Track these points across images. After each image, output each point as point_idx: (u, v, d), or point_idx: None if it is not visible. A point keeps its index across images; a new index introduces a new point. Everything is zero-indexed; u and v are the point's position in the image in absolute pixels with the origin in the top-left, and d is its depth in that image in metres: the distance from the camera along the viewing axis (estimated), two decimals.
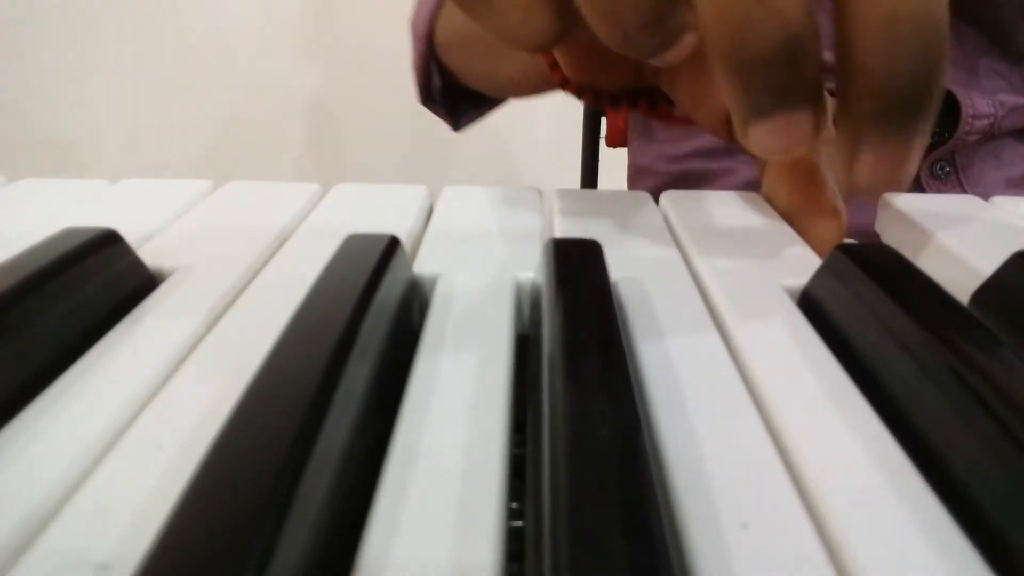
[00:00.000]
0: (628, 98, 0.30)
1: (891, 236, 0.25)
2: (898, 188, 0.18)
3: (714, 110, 0.25)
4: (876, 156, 0.17)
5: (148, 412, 0.14)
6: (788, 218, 0.24)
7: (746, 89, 0.17)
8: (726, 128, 0.25)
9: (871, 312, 0.16)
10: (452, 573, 0.10)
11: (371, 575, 0.10)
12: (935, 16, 0.17)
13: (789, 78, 0.16)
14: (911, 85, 0.17)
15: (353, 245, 0.18)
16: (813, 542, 0.11)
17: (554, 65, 0.29)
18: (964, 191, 0.45)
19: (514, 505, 0.12)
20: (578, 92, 0.29)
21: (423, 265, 0.20)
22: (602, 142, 0.67)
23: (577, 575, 0.09)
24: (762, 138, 0.17)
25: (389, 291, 0.16)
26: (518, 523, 0.12)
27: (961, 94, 0.43)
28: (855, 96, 0.17)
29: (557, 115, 1.08)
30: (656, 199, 0.27)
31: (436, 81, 0.43)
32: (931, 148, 0.45)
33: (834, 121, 0.19)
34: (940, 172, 0.45)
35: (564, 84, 0.29)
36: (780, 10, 0.16)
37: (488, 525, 0.11)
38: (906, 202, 0.26)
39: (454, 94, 0.44)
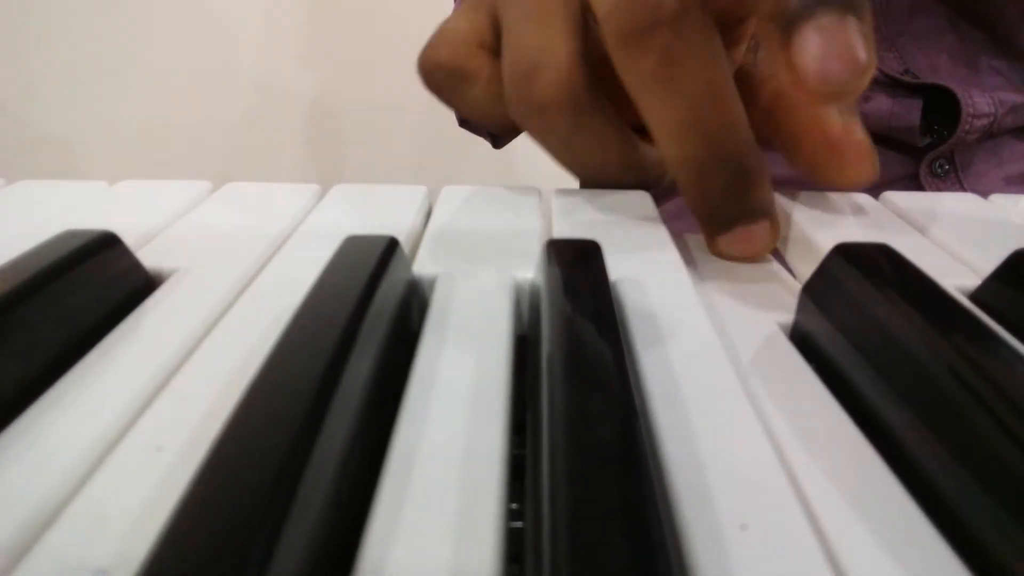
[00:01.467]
0: None
1: (890, 234, 0.25)
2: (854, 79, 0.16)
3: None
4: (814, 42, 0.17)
5: (147, 415, 0.14)
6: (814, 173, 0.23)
7: (708, 209, 0.20)
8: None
9: (871, 310, 0.16)
10: (451, 574, 0.10)
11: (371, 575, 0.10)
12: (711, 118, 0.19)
13: (743, 200, 0.19)
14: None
15: (352, 246, 0.18)
16: (813, 544, 0.11)
17: None
18: (963, 189, 0.45)
19: (513, 506, 0.12)
20: None
21: (422, 265, 0.20)
22: None
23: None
24: (728, 247, 0.20)
25: (388, 292, 0.16)
26: (518, 524, 0.12)
27: (961, 92, 0.42)
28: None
29: None
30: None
31: None
32: (931, 147, 0.45)
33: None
34: (939, 170, 0.45)
35: None
36: (728, 155, 0.19)
37: (487, 526, 0.11)
38: (905, 200, 0.26)
39: None
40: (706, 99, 0.18)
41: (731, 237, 0.20)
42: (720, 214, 0.20)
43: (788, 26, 0.16)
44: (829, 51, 0.16)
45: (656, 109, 0.19)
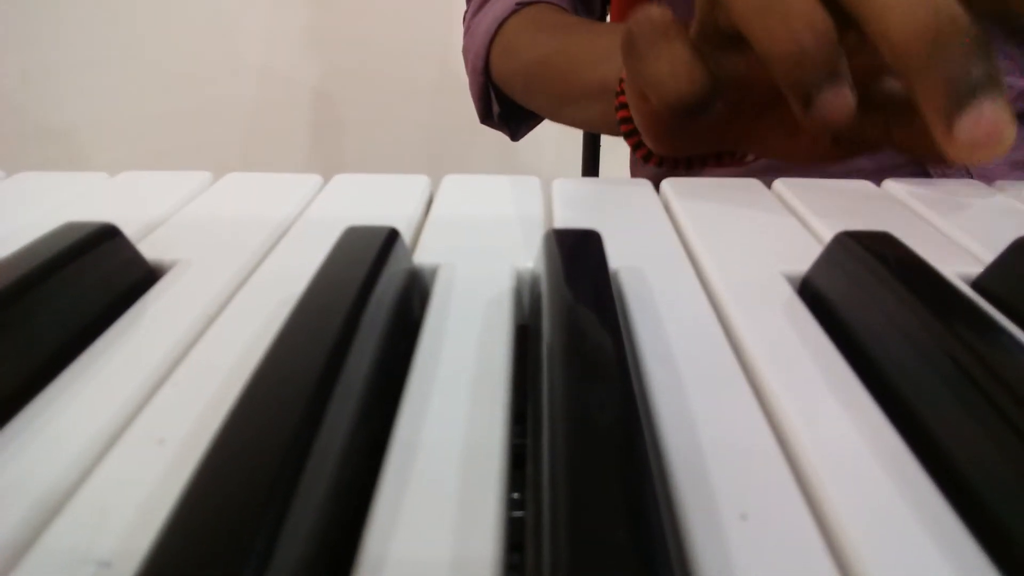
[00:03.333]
0: (699, 161, 0.32)
1: (891, 222, 0.25)
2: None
3: (806, 147, 0.27)
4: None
5: (149, 407, 0.14)
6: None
7: (944, 84, 0.19)
8: (827, 152, 0.27)
9: (872, 300, 0.15)
10: (453, 563, 0.10)
11: (373, 565, 0.10)
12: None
13: (985, 61, 0.19)
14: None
15: (352, 237, 0.18)
16: (812, 532, 0.11)
17: (629, 132, 0.30)
18: (969, 174, 0.45)
19: (514, 495, 0.12)
20: (646, 157, 0.31)
21: (423, 255, 0.20)
22: None
23: (577, 564, 0.09)
24: (970, 131, 0.19)
25: (389, 283, 0.16)
26: (519, 513, 0.12)
27: None
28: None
29: None
30: (658, 185, 0.27)
31: (495, 107, 0.45)
32: None
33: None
34: None
35: (636, 148, 0.31)
36: (954, 17, 0.19)
37: (488, 515, 0.11)
38: (908, 187, 0.26)
39: (512, 112, 0.46)
40: None
41: (973, 117, 0.19)
42: (961, 85, 0.20)
43: (951, 109, 0.20)
44: (983, 137, 0.19)
45: None
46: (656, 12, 0.25)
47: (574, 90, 0.38)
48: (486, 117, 0.46)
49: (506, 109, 0.45)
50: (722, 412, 0.13)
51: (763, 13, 0.22)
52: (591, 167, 0.69)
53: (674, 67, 0.24)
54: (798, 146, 0.27)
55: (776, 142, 0.27)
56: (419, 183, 0.26)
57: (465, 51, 0.48)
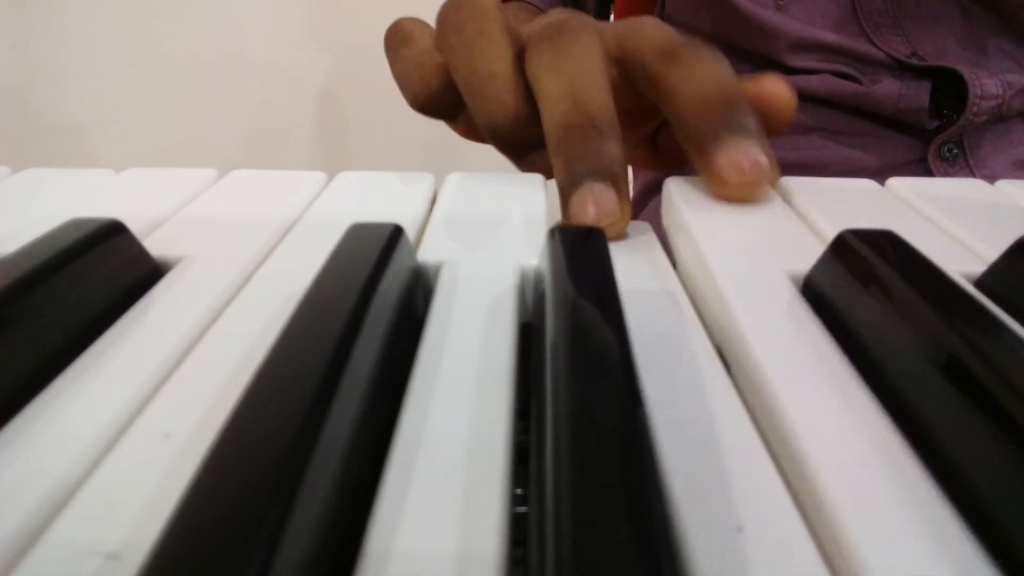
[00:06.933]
0: None
1: (895, 221, 0.25)
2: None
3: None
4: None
5: (155, 402, 0.14)
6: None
7: (565, 166, 0.22)
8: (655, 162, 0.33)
9: (875, 299, 0.15)
10: (456, 559, 0.10)
11: (377, 561, 0.10)
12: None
13: (595, 157, 0.22)
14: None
15: (356, 234, 0.18)
16: (809, 545, 0.11)
17: None
18: (972, 173, 0.44)
19: (518, 491, 0.12)
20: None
21: (427, 253, 0.20)
22: None
23: (580, 560, 0.09)
24: (578, 207, 0.22)
25: (393, 280, 0.16)
26: (522, 509, 0.12)
27: (969, 75, 0.42)
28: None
29: None
30: (660, 186, 0.27)
31: None
32: (939, 130, 0.44)
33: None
34: (948, 154, 0.45)
35: None
36: (589, 115, 0.23)
37: (492, 511, 0.11)
38: (911, 187, 0.25)
39: None
40: (579, 77, 0.24)
41: (579, 196, 0.22)
42: (575, 171, 0.22)
43: (704, 145, 0.23)
44: (738, 162, 0.22)
45: (546, 85, 0.25)
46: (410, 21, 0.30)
47: None
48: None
49: None
50: (720, 421, 0.13)
51: (470, 93, 0.26)
52: None
53: (414, 67, 0.29)
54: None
55: None
56: (423, 181, 0.26)
57: None
